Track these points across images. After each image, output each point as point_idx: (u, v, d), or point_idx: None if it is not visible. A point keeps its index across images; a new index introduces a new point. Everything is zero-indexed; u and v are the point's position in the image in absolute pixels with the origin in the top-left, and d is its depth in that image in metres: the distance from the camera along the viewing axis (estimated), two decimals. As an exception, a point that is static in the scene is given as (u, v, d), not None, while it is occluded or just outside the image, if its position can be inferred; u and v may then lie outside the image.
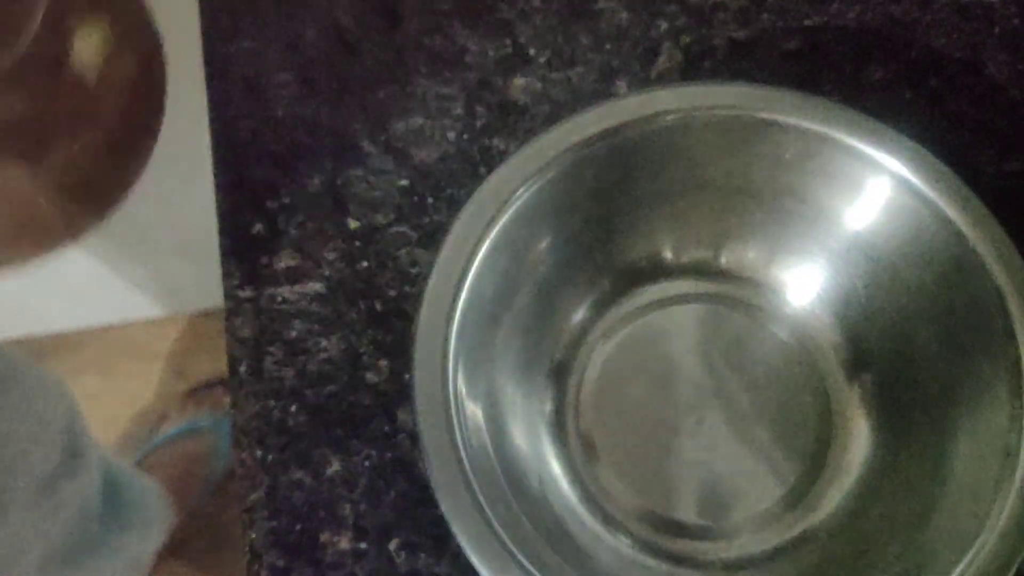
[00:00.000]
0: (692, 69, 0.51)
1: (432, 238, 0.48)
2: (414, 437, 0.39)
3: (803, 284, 0.46)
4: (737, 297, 0.46)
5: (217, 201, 0.49)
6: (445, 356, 0.39)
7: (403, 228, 0.48)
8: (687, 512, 0.43)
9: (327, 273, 0.48)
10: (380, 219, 0.48)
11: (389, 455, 0.45)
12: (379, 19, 0.52)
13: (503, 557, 0.37)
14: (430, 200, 0.49)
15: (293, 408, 0.46)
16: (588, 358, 0.46)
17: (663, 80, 0.51)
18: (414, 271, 0.48)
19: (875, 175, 0.42)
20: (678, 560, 0.43)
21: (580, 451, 0.44)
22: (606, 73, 0.51)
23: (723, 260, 0.46)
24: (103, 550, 0.73)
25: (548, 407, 0.45)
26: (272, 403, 0.46)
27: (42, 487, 0.62)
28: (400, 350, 0.46)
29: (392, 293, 0.47)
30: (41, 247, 1.01)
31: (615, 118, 0.42)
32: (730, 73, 0.51)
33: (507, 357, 0.43)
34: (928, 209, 0.41)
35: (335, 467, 0.45)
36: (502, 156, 0.43)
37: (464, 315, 0.40)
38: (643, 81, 0.51)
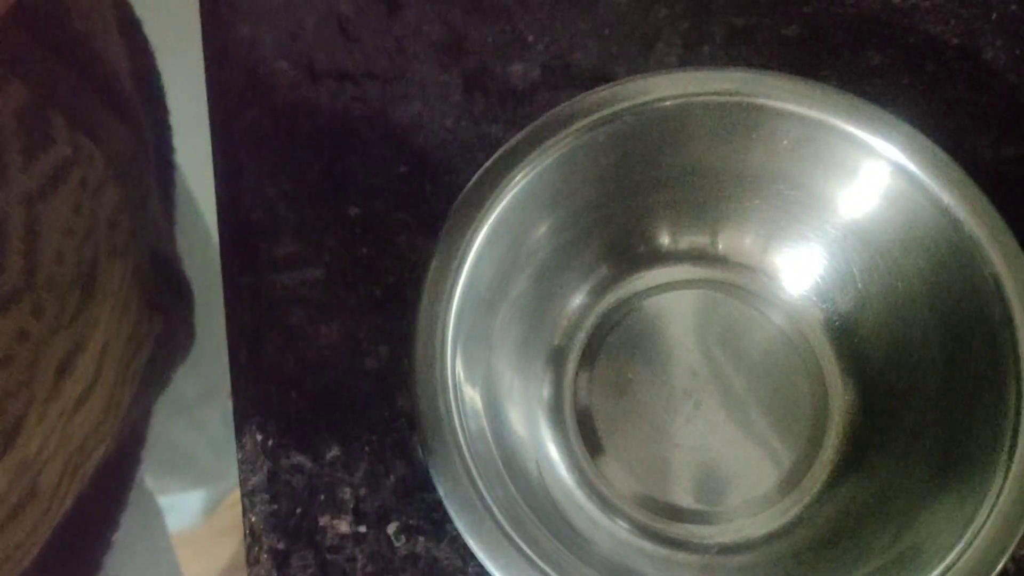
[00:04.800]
0: (690, 55, 0.51)
1: (431, 224, 0.48)
2: (413, 422, 0.39)
3: (800, 270, 0.46)
4: (734, 283, 0.46)
5: (216, 188, 0.49)
6: (443, 341, 0.40)
7: (402, 215, 0.48)
8: (684, 496, 0.43)
9: (326, 260, 0.48)
10: (379, 206, 0.48)
11: (388, 440, 0.45)
12: (378, 6, 0.52)
13: (500, 541, 0.37)
14: (428, 187, 0.49)
15: (293, 394, 0.46)
16: (586, 343, 0.46)
17: (661, 66, 0.51)
18: (413, 257, 0.48)
19: (872, 161, 0.42)
20: (675, 544, 0.43)
21: (578, 436, 0.45)
22: (604, 59, 0.51)
23: (720, 246, 0.47)
24: None
25: (546, 392, 0.45)
26: (272, 389, 0.46)
27: None
28: (399, 336, 0.47)
29: (391, 279, 0.47)
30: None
31: (613, 104, 0.42)
32: (728, 59, 0.51)
33: (505, 342, 0.43)
34: (925, 195, 0.41)
35: (335, 452, 0.45)
36: (500, 142, 0.43)
37: (462, 301, 0.40)
38: (641, 67, 0.51)
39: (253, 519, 0.44)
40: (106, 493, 0.47)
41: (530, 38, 0.51)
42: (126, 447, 0.48)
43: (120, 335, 0.40)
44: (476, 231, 0.41)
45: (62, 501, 0.38)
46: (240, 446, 0.45)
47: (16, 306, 0.31)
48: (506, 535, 0.37)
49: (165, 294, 0.45)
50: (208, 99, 0.51)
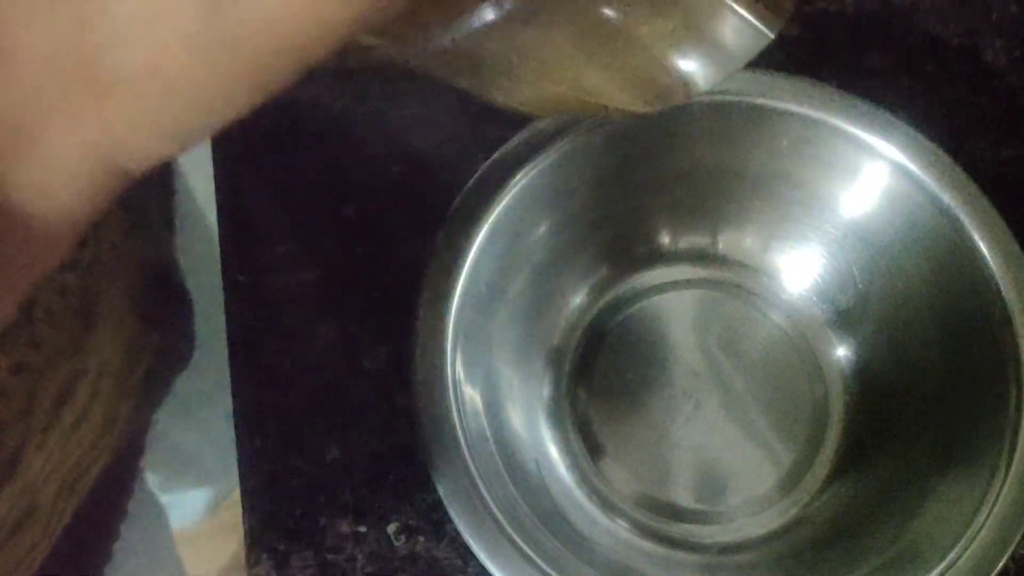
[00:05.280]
0: (690, 56, 0.51)
1: (429, 224, 0.48)
2: (413, 422, 0.39)
3: (799, 270, 0.46)
4: (734, 283, 0.47)
5: (215, 188, 0.49)
6: (443, 341, 0.40)
7: (400, 215, 0.48)
8: (684, 496, 0.43)
9: (325, 260, 0.48)
10: (377, 206, 0.48)
11: (388, 440, 0.45)
12: (377, 6, 0.52)
13: (500, 540, 0.37)
14: (427, 187, 0.49)
15: (292, 394, 0.46)
16: (586, 343, 0.46)
17: (661, 67, 0.50)
18: (411, 258, 0.47)
19: (872, 161, 0.42)
20: (675, 543, 0.43)
21: (577, 435, 0.45)
22: (604, 60, 0.51)
23: (720, 246, 0.47)
24: None
25: (546, 391, 0.45)
26: (272, 390, 0.46)
27: None
28: (398, 336, 0.46)
29: (389, 280, 0.47)
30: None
31: (613, 104, 0.42)
32: (728, 60, 0.51)
33: (505, 342, 0.43)
34: (924, 195, 0.41)
35: (334, 452, 0.45)
36: (499, 142, 0.43)
37: (462, 300, 0.40)
38: (641, 68, 0.50)
39: (253, 519, 0.44)
40: (105, 505, 0.47)
41: (530, 38, 0.51)
42: (125, 459, 0.48)
43: (117, 351, 0.39)
44: (476, 231, 0.41)
45: (61, 517, 0.38)
46: (240, 447, 0.45)
47: (11, 340, 0.31)
48: (506, 535, 0.37)
49: (162, 306, 0.45)
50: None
